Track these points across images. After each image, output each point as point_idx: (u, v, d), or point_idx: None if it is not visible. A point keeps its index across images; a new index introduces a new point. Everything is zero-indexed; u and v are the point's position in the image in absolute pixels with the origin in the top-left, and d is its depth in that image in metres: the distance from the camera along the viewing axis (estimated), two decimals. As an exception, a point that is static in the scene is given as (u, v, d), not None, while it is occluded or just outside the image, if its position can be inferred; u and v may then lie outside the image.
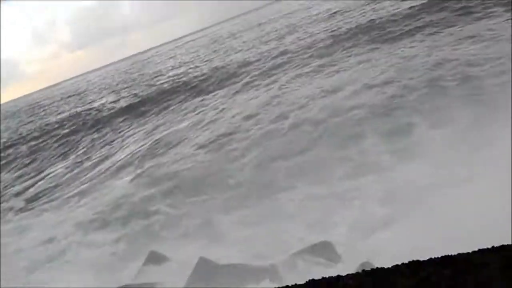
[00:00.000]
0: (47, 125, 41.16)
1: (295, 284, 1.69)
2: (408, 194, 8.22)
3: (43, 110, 61.14)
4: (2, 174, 25.43)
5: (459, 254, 1.54)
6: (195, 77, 35.43)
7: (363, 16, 31.63)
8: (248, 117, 18.17)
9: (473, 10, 20.83)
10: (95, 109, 39.28)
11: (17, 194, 19.67)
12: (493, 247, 1.55)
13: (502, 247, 1.53)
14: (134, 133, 23.89)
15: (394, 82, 15.61)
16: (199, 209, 11.15)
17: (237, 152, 14.59)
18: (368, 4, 36.00)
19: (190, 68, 43.31)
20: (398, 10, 27.82)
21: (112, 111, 34.21)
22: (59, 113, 46.98)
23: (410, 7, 26.68)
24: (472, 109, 11.32)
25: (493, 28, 17.40)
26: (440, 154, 9.50)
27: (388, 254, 6.74)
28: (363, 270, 1.63)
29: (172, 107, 27.31)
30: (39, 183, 20.57)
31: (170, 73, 45.87)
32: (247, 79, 26.69)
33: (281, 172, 11.68)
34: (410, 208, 7.70)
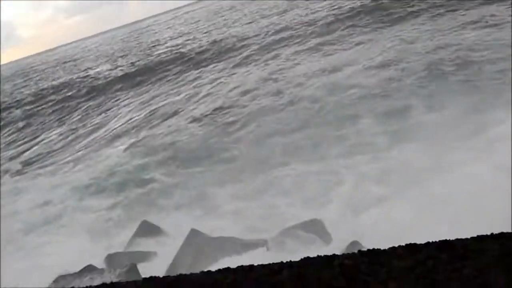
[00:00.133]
0: (42, 90, 40.80)
1: (290, 261, 1.69)
2: (402, 175, 8.30)
3: (38, 75, 60.52)
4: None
5: (457, 239, 1.54)
6: (193, 49, 35.11)
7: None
8: (245, 92, 18.11)
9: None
10: (90, 76, 38.94)
11: (12, 158, 19.63)
12: (492, 234, 1.56)
13: (502, 234, 1.53)
14: (130, 103, 23.78)
15: (393, 65, 15.57)
16: (194, 181, 11.20)
17: (233, 127, 14.58)
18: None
19: (189, 40, 42.85)
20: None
21: (108, 79, 33.94)
22: (54, 79, 46.53)
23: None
24: (470, 94, 11.37)
25: (496, 14, 17.27)
26: (436, 137, 9.56)
27: (379, 233, 6.85)
28: (359, 251, 1.63)
29: (169, 78, 27.13)
30: (34, 148, 20.52)
31: (168, 44, 45.39)
32: (246, 54, 26.48)
33: (277, 148, 11.71)
34: (404, 188, 7.78)
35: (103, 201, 11.51)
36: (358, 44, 20.25)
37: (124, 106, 23.53)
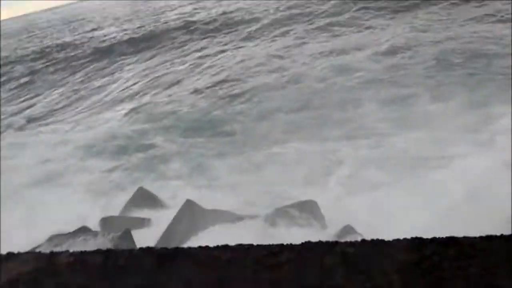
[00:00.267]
0: (46, 47, 40.39)
1: (290, 244, 1.67)
2: (402, 162, 8.32)
3: (43, 33, 59.83)
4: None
5: (464, 237, 1.52)
6: (202, 18, 34.64)
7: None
8: (250, 67, 17.95)
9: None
10: (95, 38, 38.48)
11: (13, 114, 19.56)
12: (502, 235, 1.53)
13: (511, 236, 1.51)
14: (134, 68, 23.60)
15: (401, 52, 15.40)
16: (194, 150, 11.22)
17: (236, 100, 14.53)
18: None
19: (198, 8, 42.22)
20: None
21: (113, 42, 33.58)
22: (59, 38, 45.99)
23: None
24: (476, 87, 11.29)
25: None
26: (438, 128, 9.56)
27: (372, 219, 6.89)
28: (363, 240, 1.61)
29: (174, 46, 26.83)
30: (37, 105, 20.45)
31: (176, 11, 44.73)
32: (254, 28, 26.15)
33: (279, 125, 11.70)
34: (403, 175, 7.80)
35: (103, 163, 11.55)
36: (368, 27, 19.98)
37: (127, 71, 23.36)
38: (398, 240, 1.56)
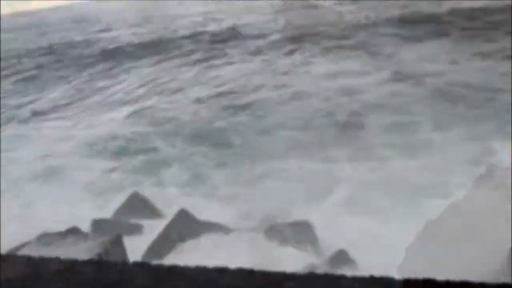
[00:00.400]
0: (54, 44, 40.52)
1: (293, 272, 1.60)
2: (400, 188, 8.31)
3: (52, 29, 60.07)
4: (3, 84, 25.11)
5: (480, 284, 1.45)
6: (211, 30, 34.88)
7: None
8: (255, 80, 18.06)
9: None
10: (104, 39, 38.62)
11: (17, 107, 19.53)
12: (520, 283, 1.46)
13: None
14: (139, 72, 23.64)
15: (406, 79, 15.45)
16: (194, 158, 11.25)
17: (239, 112, 14.56)
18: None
19: (208, 19, 42.47)
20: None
21: (121, 44, 33.69)
22: (67, 36, 46.12)
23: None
24: (481, 120, 11.33)
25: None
26: (438, 157, 9.56)
27: (365, 245, 6.83)
28: (371, 276, 1.55)
29: (182, 54, 26.94)
30: (41, 100, 20.45)
31: (187, 19, 44.98)
32: (262, 43, 26.29)
33: (281, 140, 11.70)
34: (401, 201, 7.80)
35: (103, 162, 11.55)
36: (375, 53, 20.08)
37: (133, 74, 23.40)
38: (408, 279, 1.50)
